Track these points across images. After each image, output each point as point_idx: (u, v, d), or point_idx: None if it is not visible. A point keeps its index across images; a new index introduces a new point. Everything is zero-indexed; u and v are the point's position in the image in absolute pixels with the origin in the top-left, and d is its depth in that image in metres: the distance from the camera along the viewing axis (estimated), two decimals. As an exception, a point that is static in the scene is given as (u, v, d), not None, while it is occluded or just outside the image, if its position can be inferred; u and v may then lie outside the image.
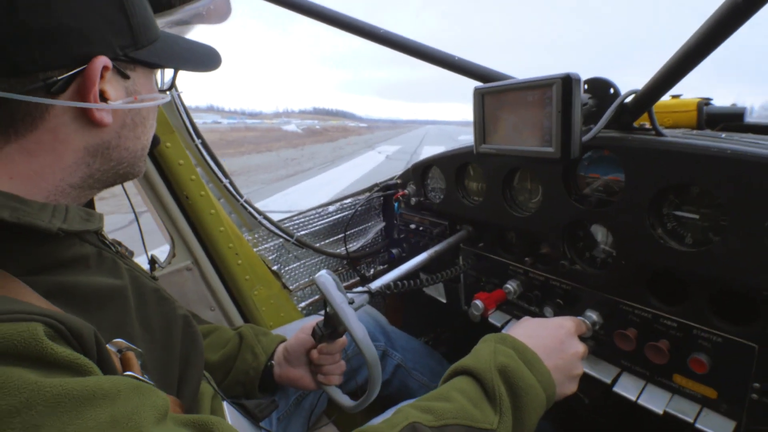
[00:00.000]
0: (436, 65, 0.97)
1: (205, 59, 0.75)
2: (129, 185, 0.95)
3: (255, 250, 1.50)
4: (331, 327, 0.99)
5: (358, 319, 1.09)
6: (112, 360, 0.52)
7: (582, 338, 0.99)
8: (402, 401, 0.83)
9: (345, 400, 1.01)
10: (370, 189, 1.68)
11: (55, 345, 0.42)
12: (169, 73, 0.78)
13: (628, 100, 0.81)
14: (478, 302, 1.14)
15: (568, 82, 0.68)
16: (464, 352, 0.77)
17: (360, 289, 1.06)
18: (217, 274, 1.42)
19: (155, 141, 0.83)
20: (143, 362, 0.59)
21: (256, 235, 1.52)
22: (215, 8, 1.32)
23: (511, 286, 1.18)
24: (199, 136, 1.31)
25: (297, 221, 1.59)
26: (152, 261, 0.99)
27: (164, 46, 0.67)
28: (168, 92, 0.75)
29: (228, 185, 1.40)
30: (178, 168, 1.24)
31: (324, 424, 1.24)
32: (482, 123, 0.87)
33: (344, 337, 1.02)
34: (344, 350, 1.17)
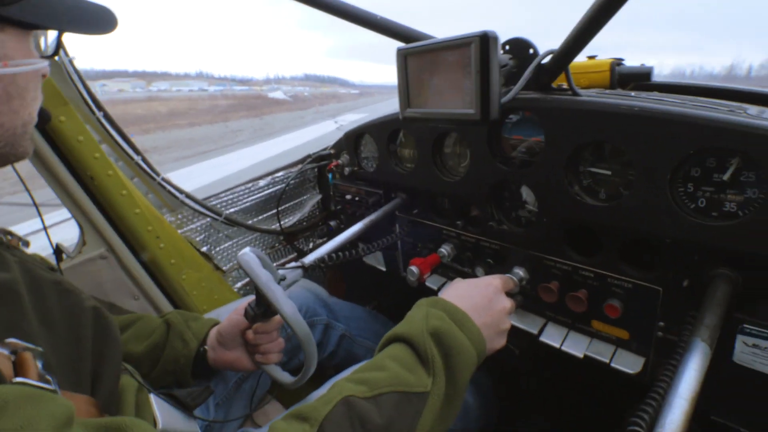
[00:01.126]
0: (356, 24, 0.92)
1: (94, 19, 0.66)
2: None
3: (180, 231, 1.40)
4: (264, 306, 0.95)
5: (294, 296, 1.06)
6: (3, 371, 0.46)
7: (511, 294, 1.03)
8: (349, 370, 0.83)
9: (285, 377, 0.99)
10: (302, 161, 1.61)
11: None
12: (52, 36, 0.68)
13: (546, 60, 0.82)
14: (413, 268, 1.15)
15: (485, 40, 0.67)
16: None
17: (293, 264, 1.02)
18: (138, 261, 1.31)
19: (44, 116, 0.73)
20: (45, 362, 0.54)
21: (179, 216, 1.42)
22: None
23: (445, 249, 1.20)
24: (100, 108, 1.16)
25: (224, 198, 1.50)
26: (58, 251, 0.89)
27: (40, 3, 0.58)
28: (54, 58, 0.66)
29: (140, 162, 1.27)
30: (77, 145, 1.10)
31: (267, 402, 1.22)
32: (406, 86, 0.85)
33: (278, 316, 0.99)
34: (284, 328, 1.15)
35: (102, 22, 0.67)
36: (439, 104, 0.80)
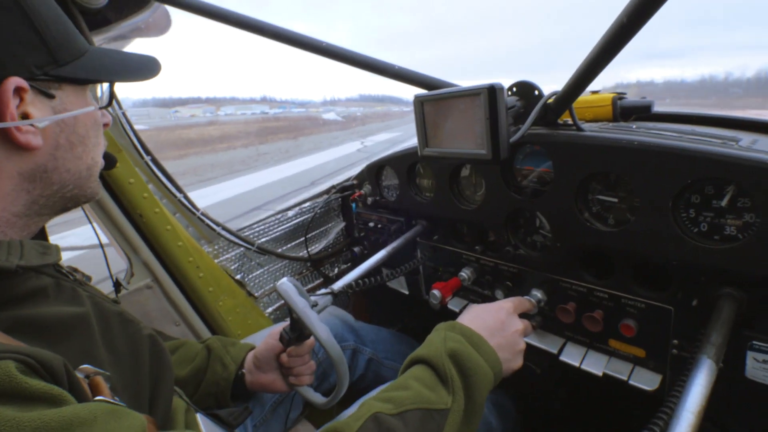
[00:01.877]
0: (377, 74, 1.02)
1: (140, 68, 0.74)
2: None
3: (216, 261, 1.51)
4: (298, 330, 1.03)
5: (323, 321, 1.14)
6: (82, 387, 0.53)
7: (529, 315, 1.09)
8: None
9: (317, 398, 1.06)
10: (327, 191, 1.72)
11: (28, 379, 0.44)
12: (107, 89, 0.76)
13: (551, 100, 0.90)
14: (436, 292, 1.22)
15: (492, 91, 0.76)
16: None
17: (323, 291, 1.10)
18: (179, 289, 1.41)
19: (110, 160, 0.82)
20: (112, 385, 0.60)
21: (216, 247, 1.53)
22: (154, 21, 1.31)
23: (465, 273, 1.26)
24: (148, 152, 1.30)
25: (257, 229, 1.61)
26: (117, 284, 0.98)
27: (92, 61, 0.65)
28: (108, 108, 0.74)
29: (183, 199, 1.40)
30: (129, 187, 1.22)
31: (300, 422, 1.28)
32: (423, 128, 0.94)
33: (311, 338, 1.07)
34: (315, 353, 1.22)
35: (146, 70, 0.74)
36: (453, 145, 0.89)
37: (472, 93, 0.79)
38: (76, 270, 0.84)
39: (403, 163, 1.34)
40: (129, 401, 0.67)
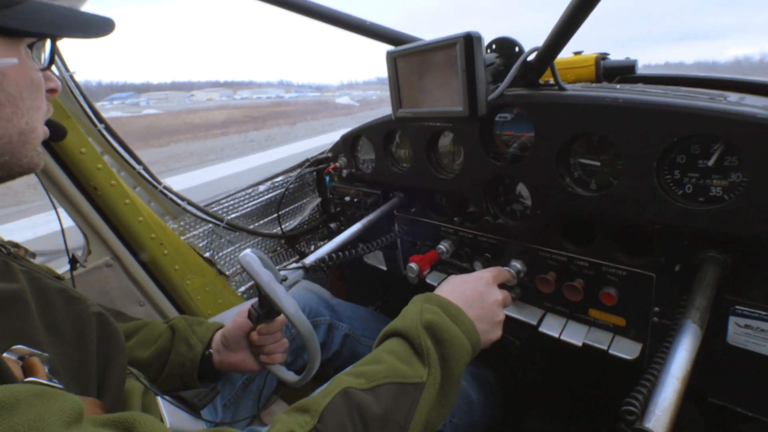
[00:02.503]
0: (347, 30, 0.95)
1: (86, 24, 0.67)
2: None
3: (183, 238, 1.43)
4: (267, 306, 0.97)
5: (296, 296, 1.08)
6: (9, 368, 0.48)
7: (509, 286, 1.05)
8: None
9: (289, 376, 1.01)
10: (300, 165, 1.64)
11: None
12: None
13: (532, 57, 0.84)
14: (413, 265, 1.17)
15: (469, 40, 0.69)
16: None
17: (295, 265, 1.05)
18: (143, 268, 1.33)
19: (58, 130, 0.75)
20: (52, 367, 0.56)
21: (182, 223, 1.44)
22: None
23: (443, 246, 1.22)
24: (101, 120, 1.19)
25: (226, 204, 1.52)
26: (73, 260, 0.91)
27: (28, 12, 0.58)
28: (49, 69, 0.66)
29: (143, 171, 1.30)
30: (80, 157, 1.13)
31: (273, 402, 1.24)
32: (397, 87, 0.87)
33: (283, 315, 1.02)
34: (288, 329, 1.17)
35: (95, 27, 0.68)
36: (429, 103, 0.83)
37: (447, 44, 0.73)
38: (16, 245, 0.77)
39: (378, 132, 1.27)
40: (73, 384, 0.62)
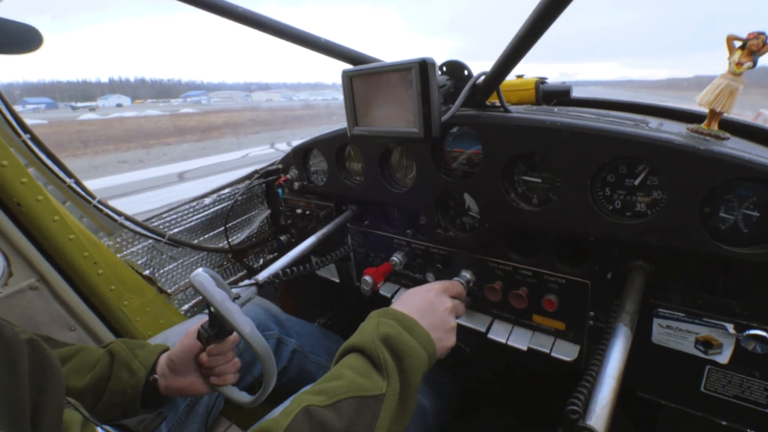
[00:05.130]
0: (301, 46, 0.94)
1: (15, 40, 0.63)
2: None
3: (120, 256, 1.33)
4: (218, 326, 0.94)
5: (245, 314, 1.05)
6: None
7: (460, 297, 1.10)
8: (302, 386, 0.84)
9: (242, 397, 0.98)
10: (249, 176, 1.59)
11: None
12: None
13: (480, 80, 0.89)
14: (367, 278, 1.19)
15: (424, 65, 0.73)
16: None
17: (246, 282, 1.02)
18: (73, 289, 1.22)
19: None
20: None
21: (118, 239, 1.35)
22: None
23: (396, 258, 1.24)
24: (26, 130, 1.08)
25: (168, 218, 1.44)
26: None
27: None
28: None
29: (74, 185, 1.20)
30: (1, 170, 1.02)
31: (222, 424, 1.18)
32: (353, 106, 0.89)
33: (234, 334, 0.98)
34: (237, 347, 1.13)
35: (23, 42, 0.64)
36: (384, 123, 0.85)
37: (403, 68, 0.75)
38: None
39: (331, 145, 1.27)
40: (3, 417, 0.57)
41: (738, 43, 0.73)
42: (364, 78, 0.84)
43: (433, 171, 1.05)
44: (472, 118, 0.92)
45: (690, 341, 0.83)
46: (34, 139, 1.11)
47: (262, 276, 1.04)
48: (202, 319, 0.98)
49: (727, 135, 0.77)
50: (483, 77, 0.88)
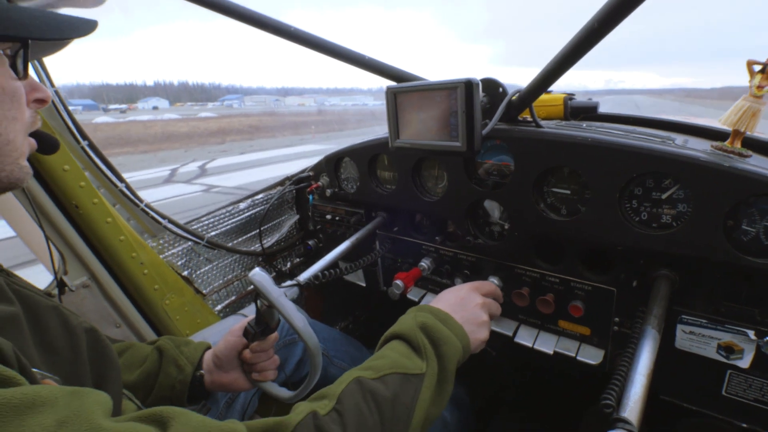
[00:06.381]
0: (346, 62, 1.02)
1: (60, 25, 0.65)
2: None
3: (161, 256, 1.41)
4: (264, 324, 1.00)
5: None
6: (33, 374, 0.50)
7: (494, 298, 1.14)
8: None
9: (283, 392, 1.04)
10: (281, 183, 1.67)
11: None
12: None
13: (515, 97, 0.96)
14: (399, 282, 1.24)
15: (470, 85, 0.79)
16: (383, 331, 0.87)
17: (289, 282, 1.08)
18: (121, 288, 1.30)
19: (49, 144, 0.74)
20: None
21: (161, 241, 1.42)
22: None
23: (425, 263, 1.30)
24: (84, 137, 1.17)
25: (206, 222, 1.52)
26: (61, 283, 0.88)
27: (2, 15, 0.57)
28: (25, 79, 0.64)
29: (125, 189, 1.28)
30: (63, 175, 1.10)
31: (255, 419, 1.24)
32: (395, 120, 0.96)
33: (275, 332, 1.05)
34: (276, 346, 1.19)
35: (71, 28, 0.66)
36: (426, 137, 0.92)
37: (449, 86, 0.82)
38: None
39: (364, 155, 1.34)
40: None
41: (758, 67, 0.78)
42: (408, 94, 0.91)
43: (464, 181, 1.11)
44: (506, 132, 0.98)
45: (712, 346, 0.88)
46: (91, 145, 1.19)
47: (303, 277, 1.10)
48: (237, 319, 1.04)
49: (750, 153, 0.82)
50: (517, 94, 0.94)
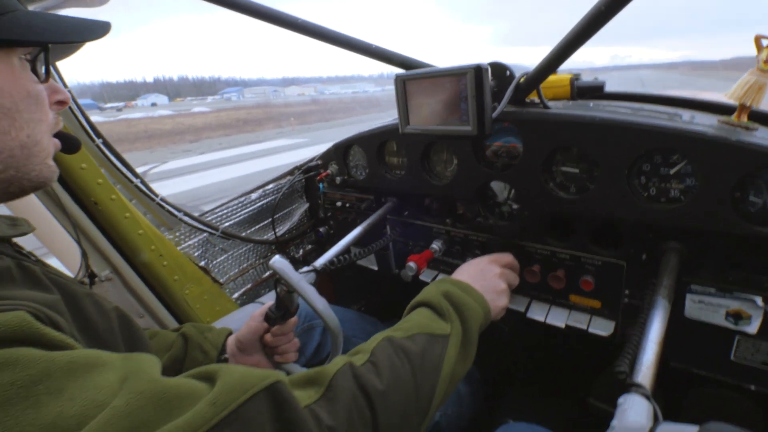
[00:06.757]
0: (353, 52, 1.03)
1: (79, 29, 0.67)
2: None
3: (179, 248, 1.44)
4: (284, 308, 1.04)
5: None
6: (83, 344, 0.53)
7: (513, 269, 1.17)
8: None
9: None
10: (291, 172, 1.69)
11: (43, 326, 0.46)
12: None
13: (522, 80, 0.97)
14: (412, 264, 1.27)
15: (479, 70, 0.81)
16: (397, 312, 0.91)
17: (306, 268, 1.12)
18: (142, 280, 1.34)
19: (71, 144, 0.77)
20: None
21: (177, 234, 1.46)
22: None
23: (436, 245, 1.33)
24: (99, 135, 1.19)
25: (219, 213, 1.55)
26: (92, 275, 0.92)
27: (16, 21, 0.59)
28: (47, 82, 0.67)
29: (140, 185, 1.31)
30: (80, 172, 1.13)
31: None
32: (405, 107, 0.97)
33: (295, 316, 1.09)
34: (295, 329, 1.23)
35: (87, 31, 0.68)
36: (436, 122, 0.94)
37: (458, 72, 0.84)
38: (32, 254, 0.78)
39: (372, 142, 1.36)
40: None
41: (766, 42, 0.79)
42: (417, 81, 0.93)
43: (473, 164, 1.13)
44: (514, 114, 1.00)
45: (721, 314, 0.91)
46: (105, 143, 1.22)
47: (319, 263, 1.13)
48: (255, 307, 1.08)
49: (757, 125, 0.84)
50: (525, 77, 0.95)
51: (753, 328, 0.87)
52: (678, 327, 0.97)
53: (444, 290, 0.89)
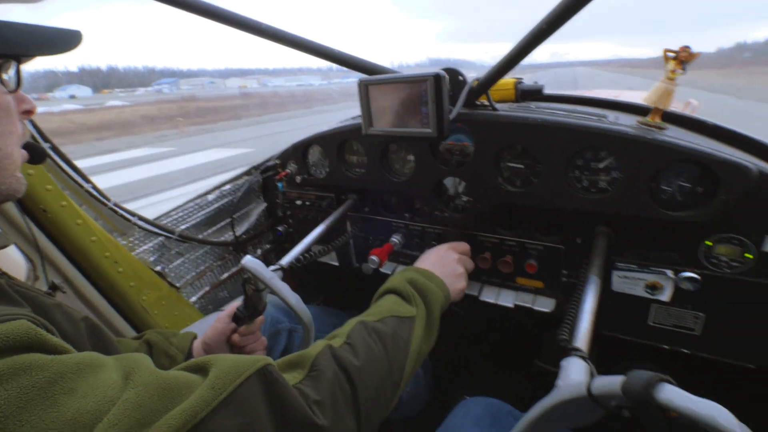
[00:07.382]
0: (317, 57, 1.07)
1: (51, 41, 0.68)
2: None
3: (133, 254, 1.40)
4: (252, 307, 1.07)
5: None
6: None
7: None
8: None
9: None
10: (248, 173, 1.69)
11: (46, 333, 0.49)
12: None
13: (474, 84, 1.07)
14: (374, 257, 1.34)
15: (438, 78, 0.89)
16: (358, 302, 0.99)
17: (273, 267, 1.15)
18: (96, 288, 1.29)
19: (38, 154, 0.76)
20: None
21: (131, 239, 1.41)
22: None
23: (396, 239, 1.41)
24: (46, 139, 1.13)
25: (175, 216, 1.52)
26: (53, 287, 0.89)
27: None
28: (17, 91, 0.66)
29: (91, 190, 1.25)
30: (28, 179, 1.06)
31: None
32: (368, 110, 1.03)
33: (262, 315, 1.12)
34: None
35: (60, 42, 0.69)
36: (398, 124, 1.01)
37: (419, 79, 0.91)
38: None
39: (332, 141, 1.40)
40: None
41: (672, 54, 0.95)
42: (380, 86, 0.99)
43: (431, 161, 1.22)
44: (467, 116, 1.10)
45: (641, 286, 1.07)
46: (53, 147, 1.16)
47: (286, 261, 1.17)
48: (219, 315, 1.10)
49: (667, 125, 1.00)
50: (476, 82, 1.05)
51: (666, 296, 1.04)
52: (606, 300, 1.12)
53: (409, 277, 0.98)
